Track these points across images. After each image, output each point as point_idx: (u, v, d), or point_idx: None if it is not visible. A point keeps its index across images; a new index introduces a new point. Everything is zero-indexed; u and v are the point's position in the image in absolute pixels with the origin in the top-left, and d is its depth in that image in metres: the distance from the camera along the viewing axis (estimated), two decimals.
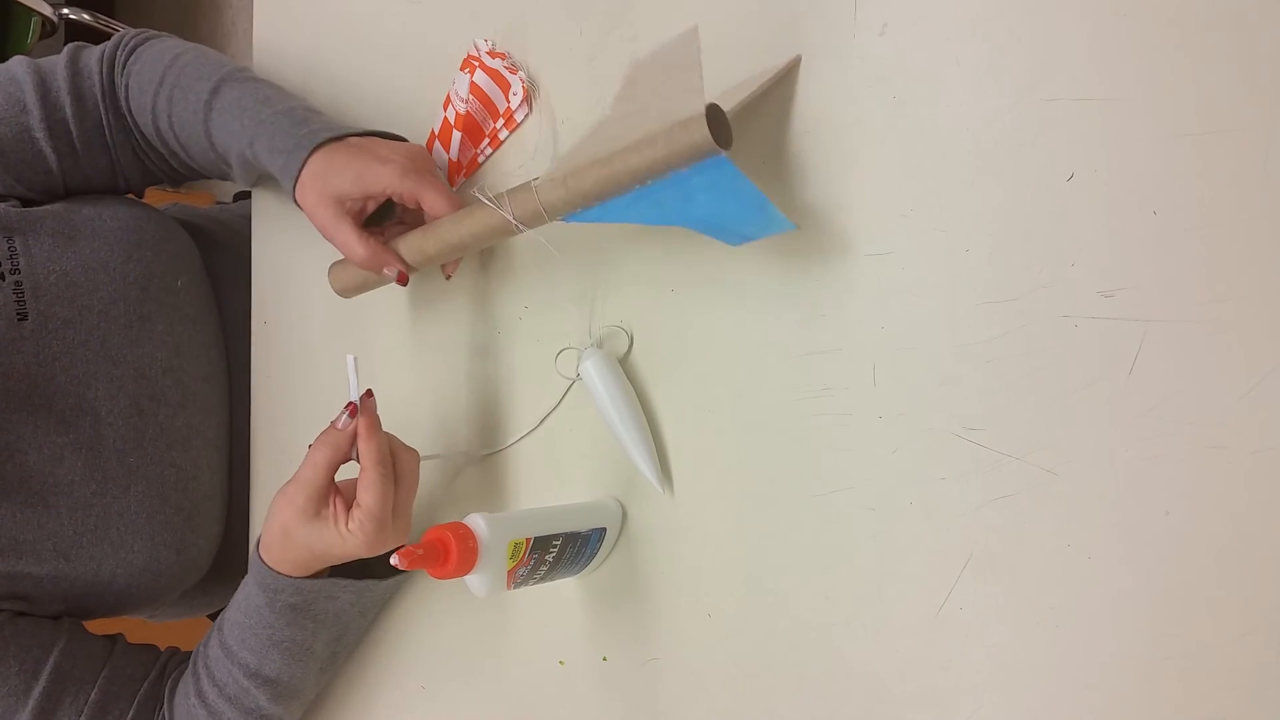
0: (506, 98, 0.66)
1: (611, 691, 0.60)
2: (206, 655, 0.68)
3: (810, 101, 0.51)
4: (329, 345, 0.80)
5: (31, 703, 0.64)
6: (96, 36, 1.85)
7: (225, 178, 0.77)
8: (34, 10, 1.67)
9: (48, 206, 0.73)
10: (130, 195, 0.82)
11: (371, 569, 0.67)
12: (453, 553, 0.50)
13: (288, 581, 0.62)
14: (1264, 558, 0.38)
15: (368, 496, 0.56)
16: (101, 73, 0.74)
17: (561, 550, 0.55)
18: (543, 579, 0.56)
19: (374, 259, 0.61)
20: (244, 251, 0.88)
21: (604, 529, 0.57)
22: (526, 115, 0.66)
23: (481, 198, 0.54)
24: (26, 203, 0.73)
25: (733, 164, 0.45)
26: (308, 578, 0.62)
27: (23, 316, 0.68)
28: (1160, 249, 0.40)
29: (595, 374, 0.57)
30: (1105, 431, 0.41)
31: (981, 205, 0.45)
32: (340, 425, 0.57)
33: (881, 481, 0.48)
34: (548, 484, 0.64)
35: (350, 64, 0.80)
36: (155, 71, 0.73)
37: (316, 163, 0.63)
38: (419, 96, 0.73)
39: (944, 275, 0.46)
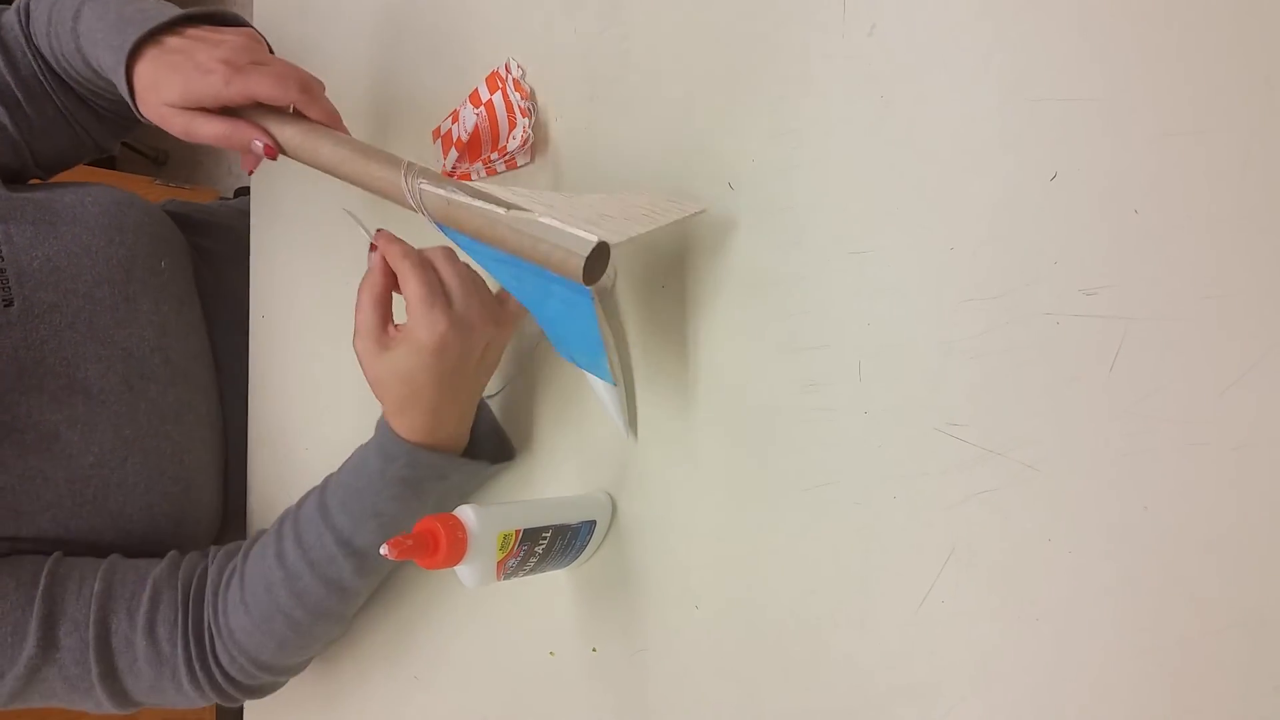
0: (508, 137, 0.65)
1: (601, 682, 0.60)
2: (297, 516, 0.65)
3: (798, 100, 0.52)
4: (327, 340, 0.81)
5: (36, 607, 0.63)
6: None
7: None
8: None
9: (29, 194, 0.74)
10: (115, 184, 0.82)
11: (481, 451, 0.65)
12: (442, 543, 0.50)
13: (404, 449, 0.59)
14: (1244, 552, 0.38)
15: (407, 288, 0.54)
16: (20, 22, 0.73)
17: (551, 542, 0.55)
18: (532, 571, 0.57)
19: (233, 134, 0.60)
20: (235, 245, 0.88)
21: (594, 521, 0.58)
22: (527, 163, 0.66)
23: (405, 176, 0.54)
24: (8, 185, 0.74)
25: (592, 301, 0.47)
26: (426, 448, 0.60)
27: (8, 303, 0.69)
28: (1142, 248, 0.41)
29: None
30: (1087, 427, 0.42)
31: (966, 204, 0.46)
32: (371, 266, 0.57)
33: (866, 476, 0.49)
34: (538, 477, 0.65)
35: (351, 51, 0.80)
36: (43, 9, 0.72)
37: (144, 74, 0.62)
38: (421, 86, 0.74)
39: (929, 272, 0.47)
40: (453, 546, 0.50)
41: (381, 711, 0.74)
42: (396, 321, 0.57)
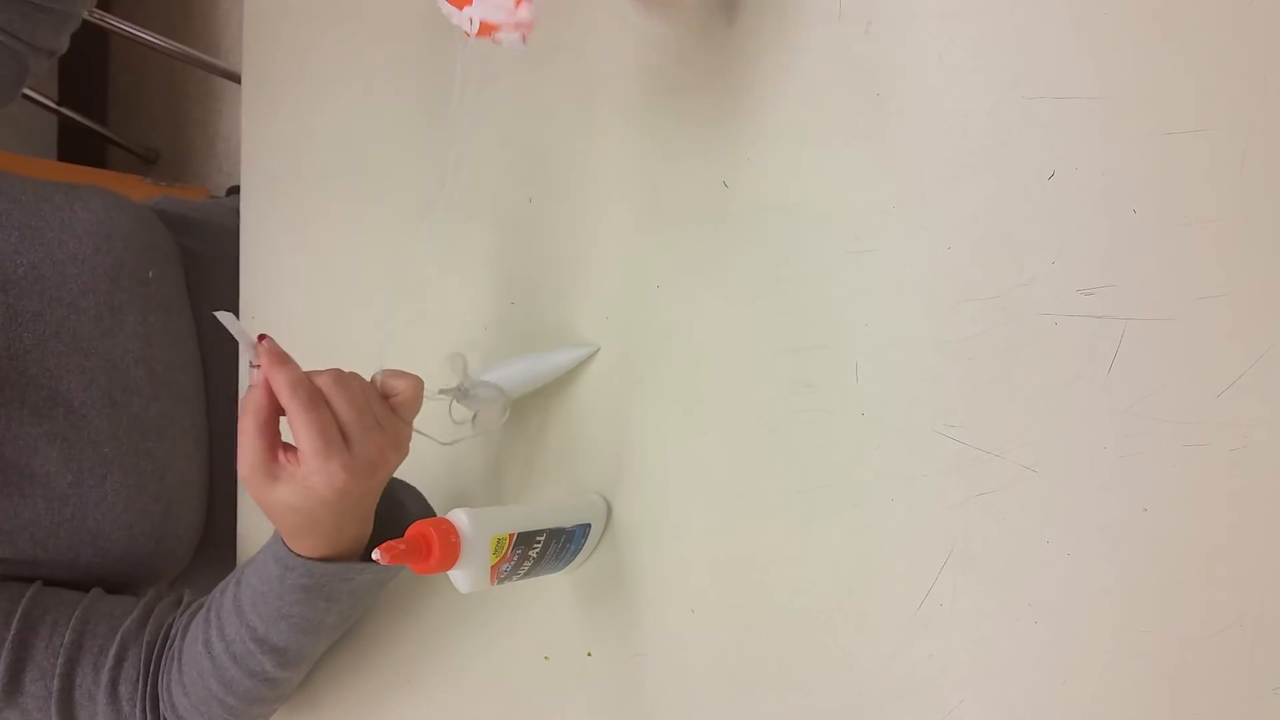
0: None
1: (596, 687, 0.60)
2: (221, 605, 0.64)
3: (794, 99, 0.51)
4: (317, 341, 0.80)
5: (5, 651, 0.63)
6: (92, 31, 1.84)
7: None
8: None
9: (15, 197, 0.72)
10: (106, 183, 0.81)
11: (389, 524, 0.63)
12: (435, 547, 0.50)
13: (299, 561, 0.58)
14: (1242, 554, 0.38)
15: (297, 434, 0.50)
16: None
17: (545, 546, 0.55)
18: (527, 575, 0.56)
19: None
20: (226, 244, 0.88)
21: (588, 525, 0.57)
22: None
23: None
24: None
25: None
26: (321, 560, 0.58)
27: None
28: (1140, 247, 0.40)
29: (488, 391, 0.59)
30: (1085, 429, 0.42)
31: (963, 203, 0.45)
32: (253, 382, 0.52)
33: (864, 478, 0.48)
34: (532, 480, 0.64)
35: (344, 48, 0.80)
36: None
37: None
38: (412, 73, 0.73)
39: (926, 273, 0.46)
40: (446, 550, 0.50)
41: (375, 717, 0.73)
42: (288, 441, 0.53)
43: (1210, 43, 0.39)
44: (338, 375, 0.53)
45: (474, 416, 0.64)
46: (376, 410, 0.53)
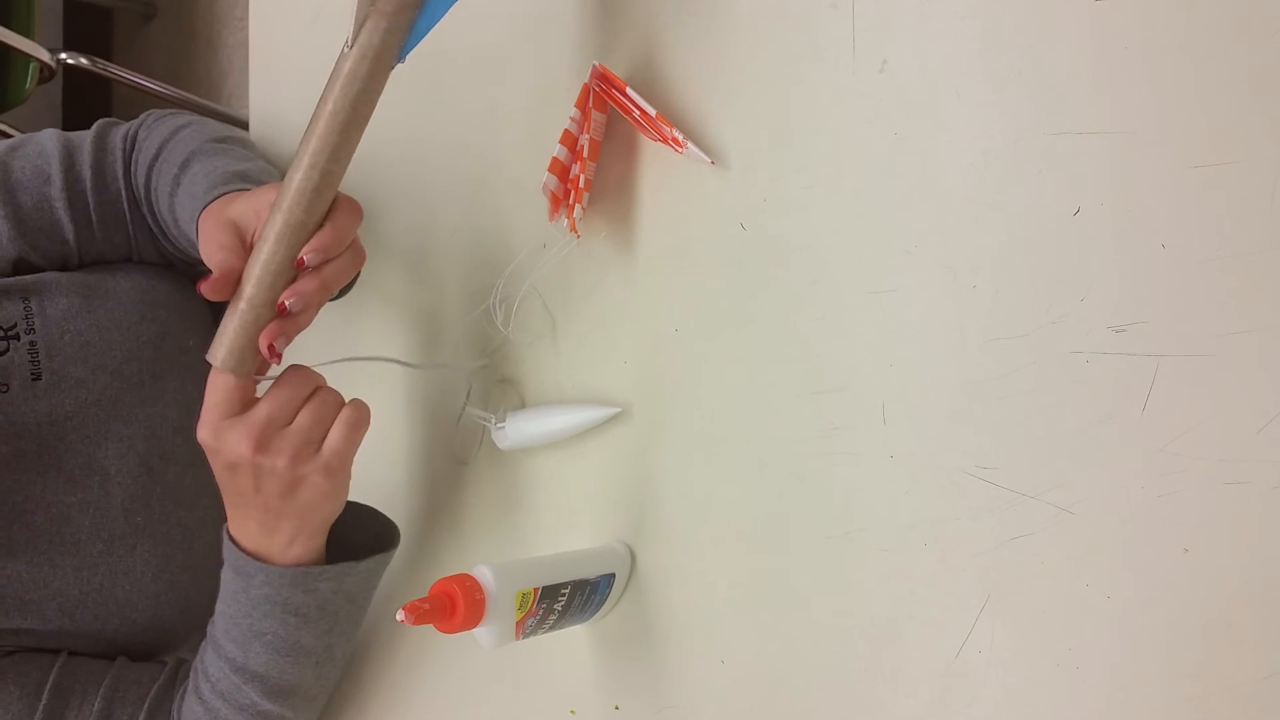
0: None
1: None
2: (202, 653, 0.66)
3: (810, 139, 0.51)
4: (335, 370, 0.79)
5: None
6: (95, 81, 1.86)
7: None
8: (31, 56, 1.67)
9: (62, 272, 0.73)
10: None
11: (350, 549, 0.65)
12: (460, 606, 0.49)
13: (258, 568, 0.60)
14: None
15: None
16: (124, 149, 0.74)
17: (570, 598, 0.54)
18: (552, 628, 0.55)
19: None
20: None
21: (613, 575, 0.56)
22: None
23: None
24: (38, 269, 0.73)
25: None
26: (280, 565, 0.60)
27: (37, 377, 0.68)
28: (1171, 283, 0.40)
29: (513, 433, 0.61)
30: (1121, 468, 0.41)
31: (987, 241, 0.45)
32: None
33: (895, 522, 0.47)
34: (554, 530, 0.63)
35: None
36: (154, 148, 0.72)
37: (219, 202, 0.61)
38: (411, 124, 0.73)
39: (951, 312, 0.46)
40: (471, 609, 0.49)
41: None
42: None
43: (1234, 74, 0.38)
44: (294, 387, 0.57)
45: (478, 446, 0.66)
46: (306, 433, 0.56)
